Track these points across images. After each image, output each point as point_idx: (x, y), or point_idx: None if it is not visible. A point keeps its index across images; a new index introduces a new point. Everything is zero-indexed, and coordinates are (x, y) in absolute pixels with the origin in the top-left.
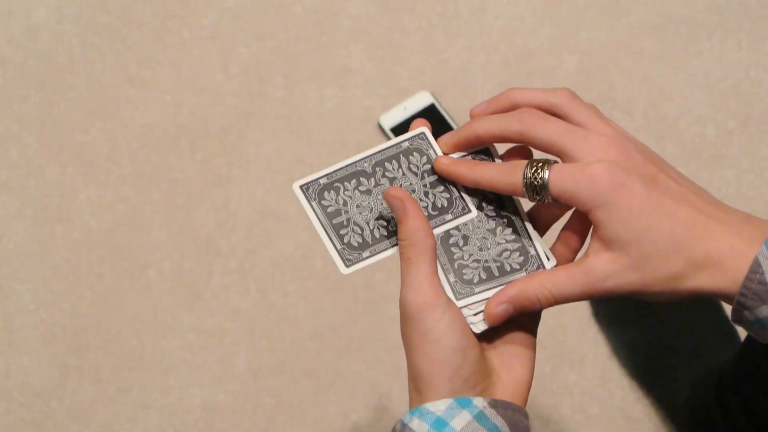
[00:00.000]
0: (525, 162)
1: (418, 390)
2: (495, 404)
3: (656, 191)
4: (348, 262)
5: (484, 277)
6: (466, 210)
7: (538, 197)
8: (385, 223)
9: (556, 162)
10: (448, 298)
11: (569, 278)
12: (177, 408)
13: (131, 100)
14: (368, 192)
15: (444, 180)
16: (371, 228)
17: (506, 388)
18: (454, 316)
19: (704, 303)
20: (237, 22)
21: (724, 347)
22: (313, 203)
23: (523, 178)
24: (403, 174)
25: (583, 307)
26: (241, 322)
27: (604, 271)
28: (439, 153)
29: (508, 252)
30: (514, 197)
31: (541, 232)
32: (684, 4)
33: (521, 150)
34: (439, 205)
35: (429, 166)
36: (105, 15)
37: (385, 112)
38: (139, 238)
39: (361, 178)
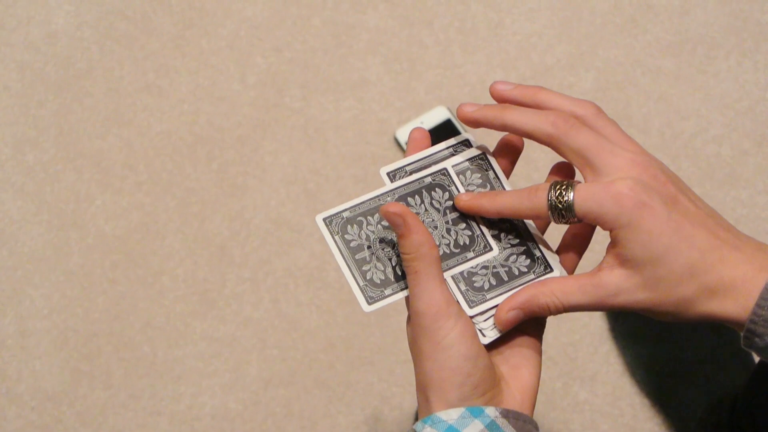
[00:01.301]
0: (547, 185)
1: (427, 398)
2: (506, 414)
3: (676, 213)
4: (370, 300)
5: (494, 283)
6: (487, 248)
7: (563, 219)
8: None
9: (578, 182)
10: (460, 307)
11: (580, 289)
12: (187, 416)
13: (148, 108)
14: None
15: (466, 217)
16: (394, 265)
17: (514, 396)
18: (466, 325)
19: (721, 325)
20: (255, 33)
21: (740, 370)
22: (336, 237)
23: (548, 201)
24: (426, 210)
25: (595, 325)
26: (254, 331)
27: (615, 286)
28: (462, 190)
29: (515, 256)
30: None
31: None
32: (701, 24)
33: (511, 147)
34: (461, 243)
35: (451, 202)
36: (124, 23)
37: (402, 125)
38: (154, 245)
39: None
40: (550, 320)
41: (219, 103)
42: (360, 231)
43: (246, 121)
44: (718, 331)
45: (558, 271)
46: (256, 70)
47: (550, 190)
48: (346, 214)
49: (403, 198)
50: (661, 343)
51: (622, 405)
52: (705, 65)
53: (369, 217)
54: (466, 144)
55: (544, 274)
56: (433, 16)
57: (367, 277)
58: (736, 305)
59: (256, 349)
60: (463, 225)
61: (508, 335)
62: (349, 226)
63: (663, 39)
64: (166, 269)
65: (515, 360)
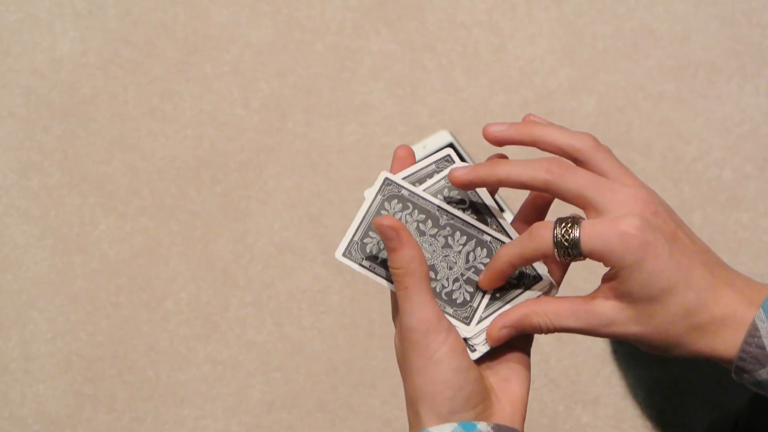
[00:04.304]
0: (549, 223)
1: (417, 413)
2: (498, 429)
3: (676, 251)
4: (347, 254)
5: (471, 290)
6: (467, 320)
7: (568, 257)
8: None
9: (582, 219)
10: (449, 322)
11: (573, 314)
12: None
13: (153, 133)
14: (421, 233)
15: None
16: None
17: (504, 408)
18: (456, 339)
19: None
20: (259, 58)
21: (742, 391)
22: (379, 196)
23: (554, 239)
24: (459, 252)
25: (597, 347)
26: (257, 354)
27: (608, 317)
28: (486, 229)
29: (472, 253)
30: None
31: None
32: (703, 48)
33: (540, 205)
34: (454, 298)
35: (483, 266)
36: (128, 48)
37: None
38: (157, 269)
39: (429, 220)
40: (552, 343)
41: (223, 127)
42: (399, 211)
43: (249, 146)
44: None
45: (545, 278)
46: (259, 95)
47: (555, 228)
48: (404, 192)
49: (454, 227)
50: (662, 365)
51: (624, 427)
52: (706, 89)
53: (416, 211)
54: (448, 160)
55: (534, 284)
56: (435, 40)
57: (363, 241)
58: (724, 343)
59: (259, 372)
60: (471, 289)
61: (496, 349)
62: (395, 200)
63: (664, 63)
64: (169, 293)
65: (504, 373)
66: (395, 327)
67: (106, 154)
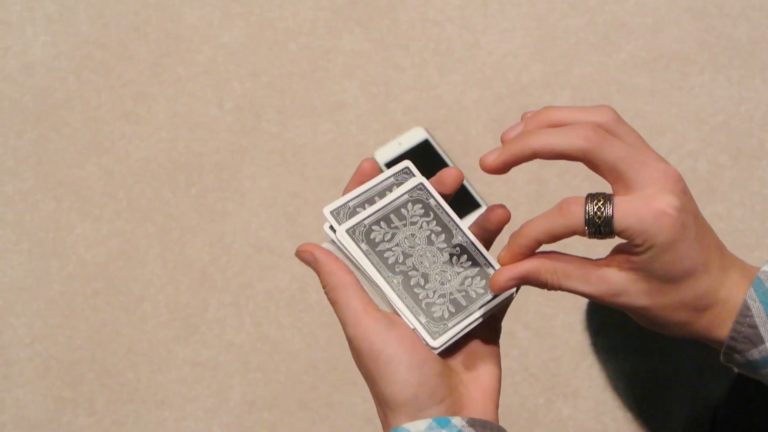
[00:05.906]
0: (580, 199)
1: (385, 416)
2: (473, 423)
3: (700, 233)
4: (352, 232)
5: (453, 311)
6: (435, 335)
7: (599, 234)
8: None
9: (614, 195)
10: (390, 319)
11: (582, 277)
12: None
13: (127, 136)
14: (430, 242)
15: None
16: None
17: (476, 400)
18: (402, 334)
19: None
20: (232, 59)
21: (721, 382)
22: (406, 195)
23: (585, 215)
24: (458, 273)
25: (576, 340)
26: (236, 354)
27: (619, 287)
28: (496, 266)
29: (470, 279)
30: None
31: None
32: (675, 40)
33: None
34: (432, 310)
35: (475, 294)
36: (101, 52)
37: (380, 147)
38: (135, 271)
39: (443, 234)
40: (531, 337)
41: (197, 129)
42: (419, 216)
43: (224, 147)
44: (698, 343)
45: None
46: (233, 96)
47: (587, 204)
48: (431, 201)
49: (465, 252)
50: (642, 357)
51: (605, 420)
52: (679, 81)
53: (434, 221)
54: (407, 172)
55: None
56: (408, 38)
57: (372, 227)
58: (719, 323)
59: (238, 372)
60: (454, 310)
61: (462, 341)
62: (419, 205)
63: (637, 56)
64: (147, 295)
65: (473, 364)
66: None
67: (81, 158)
